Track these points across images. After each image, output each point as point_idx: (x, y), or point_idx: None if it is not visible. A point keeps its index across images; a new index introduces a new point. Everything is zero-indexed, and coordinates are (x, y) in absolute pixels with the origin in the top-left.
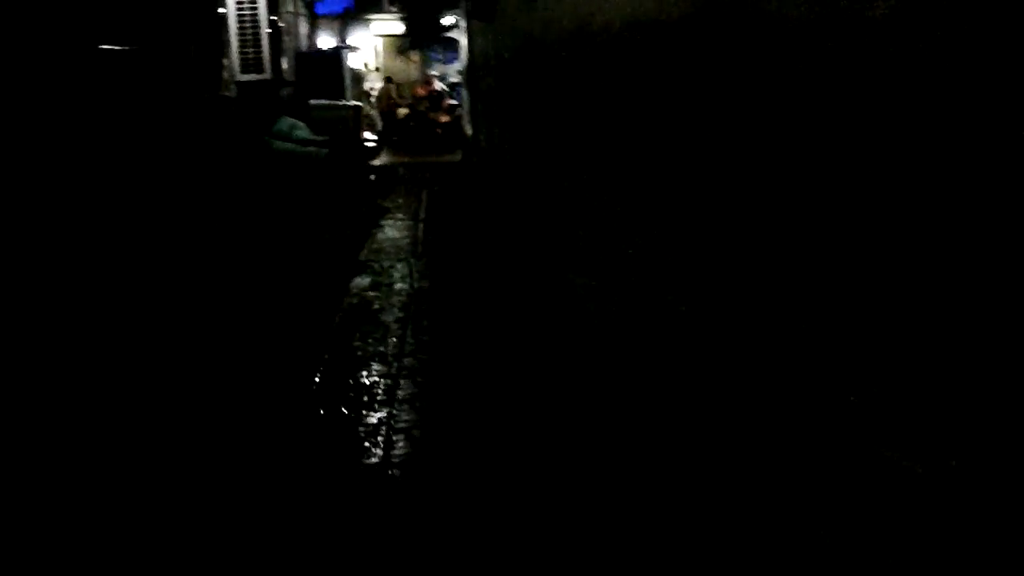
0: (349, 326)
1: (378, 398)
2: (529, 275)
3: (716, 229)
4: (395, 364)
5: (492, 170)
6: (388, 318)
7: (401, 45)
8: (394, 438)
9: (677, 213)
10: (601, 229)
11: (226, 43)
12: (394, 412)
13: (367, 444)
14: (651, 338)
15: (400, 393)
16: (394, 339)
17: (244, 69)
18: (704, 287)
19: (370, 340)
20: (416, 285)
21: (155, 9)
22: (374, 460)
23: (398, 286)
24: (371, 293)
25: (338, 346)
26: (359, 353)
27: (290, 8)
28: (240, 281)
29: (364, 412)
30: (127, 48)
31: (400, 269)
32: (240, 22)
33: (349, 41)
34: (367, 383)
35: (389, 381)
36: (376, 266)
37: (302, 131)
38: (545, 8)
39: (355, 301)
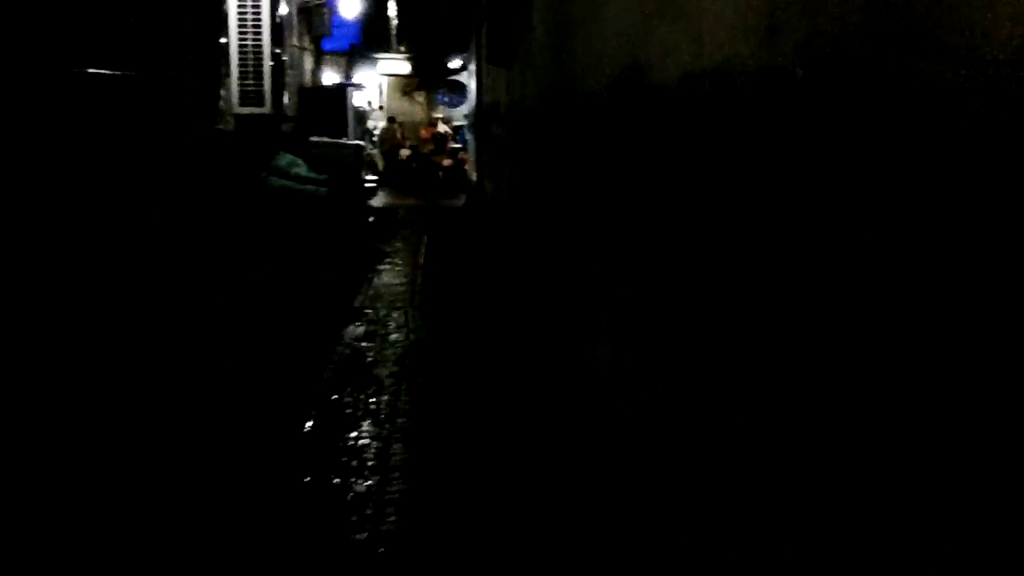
0: (340, 380)
1: (368, 463)
2: (536, 337)
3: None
4: (387, 425)
5: (499, 220)
6: (382, 372)
7: (407, 85)
8: (387, 511)
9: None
10: (634, 298)
11: (226, 74)
12: (386, 480)
13: (354, 517)
14: (694, 435)
15: (394, 459)
16: (387, 396)
17: (243, 102)
18: (756, 377)
19: (361, 396)
20: (413, 336)
21: (151, 34)
22: (362, 536)
23: (394, 336)
24: (365, 344)
25: (327, 402)
26: (349, 411)
27: (295, 42)
28: (228, 324)
29: (352, 479)
30: (118, 73)
31: (397, 318)
32: (242, 53)
33: (355, 79)
34: (357, 445)
35: (380, 444)
36: (372, 314)
37: (301, 168)
38: (580, 57)
39: (348, 352)
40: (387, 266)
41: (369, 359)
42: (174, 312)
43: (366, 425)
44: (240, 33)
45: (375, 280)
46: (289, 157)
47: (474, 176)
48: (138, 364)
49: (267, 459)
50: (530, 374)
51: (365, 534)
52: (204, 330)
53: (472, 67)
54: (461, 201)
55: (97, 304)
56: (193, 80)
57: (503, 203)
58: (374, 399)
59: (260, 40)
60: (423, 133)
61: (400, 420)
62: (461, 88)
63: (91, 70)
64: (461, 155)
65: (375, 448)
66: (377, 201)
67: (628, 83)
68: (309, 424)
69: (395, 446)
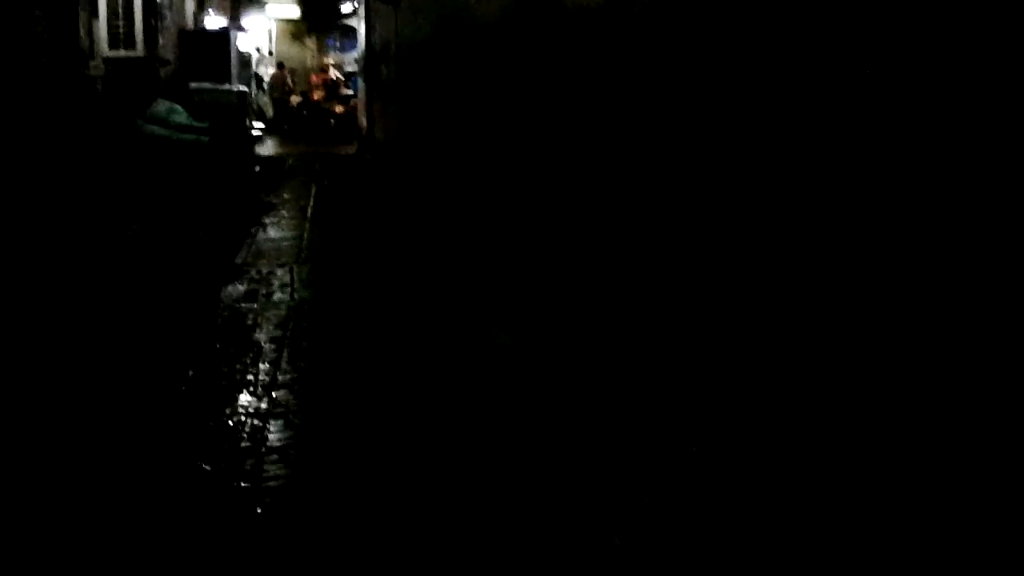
0: (216, 345)
1: (243, 444)
2: (426, 294)
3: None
4: (265, 399)
5: (389, 168)
6: (262, 336)
7: (297, 30)
8: (266, 500)
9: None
10: (533, 261)
11: (93, 14)
12: (264, 464)
13: (227, 511)
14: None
15: (271, 436)
16: (267, 365)
17: (113, 44)
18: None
19: (238, 366)
20: (298, 296)
21: None
22: (234, 533)
23: (277, 296)
24: (246, 304)
25: (202, 372)
26: (224, 382)
27: None
28: (92, 286)
29: (226, 463)
30: None
31: (281, 276)
32: None
33: (242, 23)
34: (230, 425)
35: (258, 421)
36: (254, 272)
37: (181, 116)
38: None
39: (227, 314)
40: (273, 219)
41: (249, 322)
42: (27, 274)
43: (242, 399)
44: None
45: (259, 234)
46: (167, 104)
47: (365, 122)
48: None
49: (136, 438)
50: (420, 338)
51: (238, 531)
52: (71, 287)
53: (361, 10)
54: (353, 149)
55: None
56: (48, 18)
57: (394, 149)
58: (252, 369)
59: None
60: (314, 79)
61: (279, 393)
62: (352, 33)
63: None
64: (353, 102)
65: (250, 428)
66: (266, 150)
67: (512, 21)
68: (180, 396)
69: (272, 423)
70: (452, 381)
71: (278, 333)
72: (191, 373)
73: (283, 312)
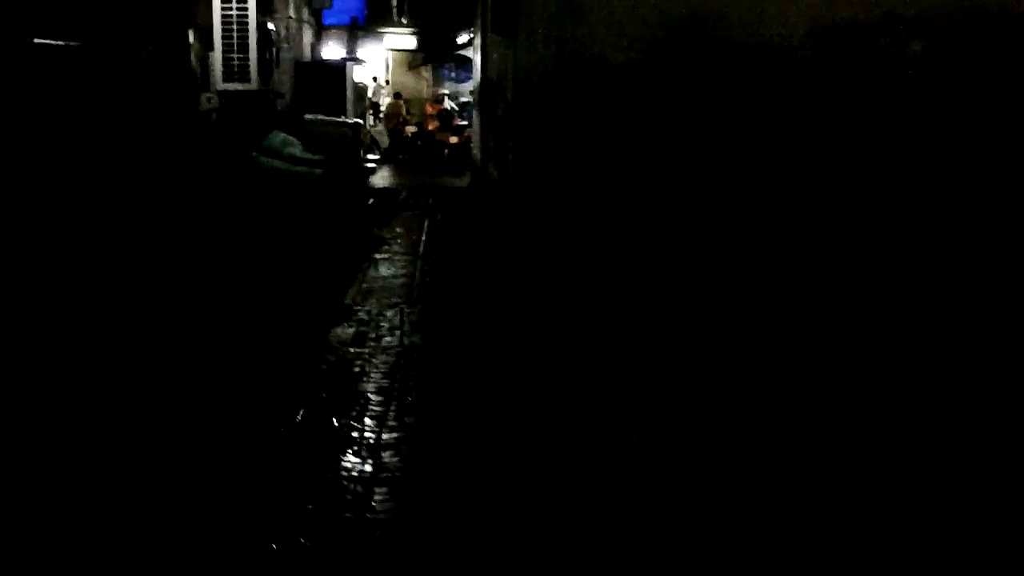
0: (321, 396)
1: (347, 514)
2: (544, 351)
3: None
4: (369, 462)
5: (503, 207)
6: (369, 386)
7: (412, 61)
8: None
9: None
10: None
11: (208, 47)
12: (370, 532)
13: None
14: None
15: (376, 504)
16: (372, 421)
17: (227, 77)
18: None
19: (341, 421)
20: (408, 341)
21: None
22: None
23: (387, 340)
24: (354, 349)
25: (304, 428)
26: (328, 447)
27: (292, 15)
28: (203, 322)
29: (325, 533)
30: (70, 44)
31: (391, 318)
32: (225, 25)
33: (359, 54)
34: (334, 490)
35: (360, 488)
36: (363, 313)
37: (295, 148)
38: (598, 18)
39: (333, 359)
40: (384, 255)
41: (356, 369)
42: (141, 304)
43: (346, 459)
44: (223, 3)
45: (370, 271)
46: (282, 136)
47: (478, 155)
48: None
49: (236, 495)
50: (534, 398)
51: None
52: (182, 321)
53: (477, 41)
54: (466, 181)
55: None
56: (159, 52)
57: (508, 187)
58: (357, 424)
59: (246, 10)
60: (429, 110)
61: (385, 454)
62: (468, 63)
63: (41, 40)
64: (467, 133)
65: (356, 491)
66: (379, 180)
67: (682, 45)
68: (277, 456)
69: (377, 492)
70: (567, 453)
71: (386, 383)
72: (300, 429)
73: (392, 359)
